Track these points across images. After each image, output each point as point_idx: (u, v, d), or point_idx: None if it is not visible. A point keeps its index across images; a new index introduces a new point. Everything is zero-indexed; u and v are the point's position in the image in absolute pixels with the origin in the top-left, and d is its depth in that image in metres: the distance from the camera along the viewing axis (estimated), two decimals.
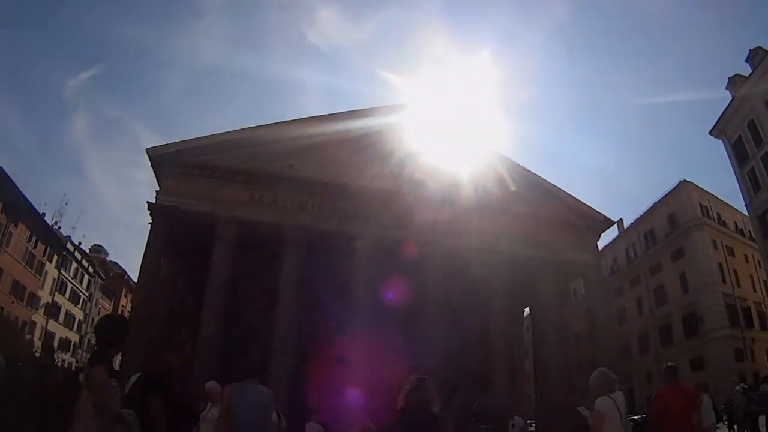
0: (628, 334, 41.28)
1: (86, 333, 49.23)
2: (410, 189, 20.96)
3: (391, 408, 6.00)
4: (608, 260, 42.90)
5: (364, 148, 21.51)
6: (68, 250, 44.18)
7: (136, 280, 23.89)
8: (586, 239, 23.96)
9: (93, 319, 51.02)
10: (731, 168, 31.87)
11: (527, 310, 29.91)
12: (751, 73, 29.21)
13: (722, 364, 31.86)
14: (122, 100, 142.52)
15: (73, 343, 46.41)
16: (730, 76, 31.48)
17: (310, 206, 20.70)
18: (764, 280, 34.79)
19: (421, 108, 24.52)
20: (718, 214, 39.20)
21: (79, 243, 48.43)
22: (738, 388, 17.17)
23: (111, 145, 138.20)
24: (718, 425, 12.33)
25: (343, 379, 18.10)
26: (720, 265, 35.65)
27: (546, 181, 24.13)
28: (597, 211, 24.26)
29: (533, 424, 24.08)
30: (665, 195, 39.48)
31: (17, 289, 35.27)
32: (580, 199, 24.23)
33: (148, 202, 19.75)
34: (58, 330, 43.08)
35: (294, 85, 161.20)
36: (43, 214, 38.93)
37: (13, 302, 34.72)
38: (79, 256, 47.19)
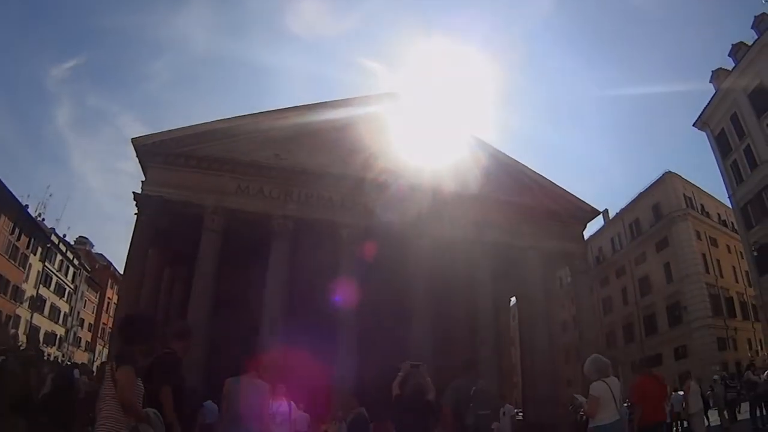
0: (614, 324, 41.81)
1: (72, 326, 48.75)
2: (395, 178, 20.96)
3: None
4: (594, 250, 43.23)
5: (348, 137, 21.42)
6: (52, 242, 43.62)
7: (122, 272, 23.70)
8: (572, 229, 24.17)
9: (78, 312, 50.57)
10: (715, 160, 32.24)
11: (513, 299, 30.20)
12: (734, 67, 29.51)
13: (705, 353, 32.38)
14: (106, 91, 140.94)
15: (59, 336, 45.89)
16: (714, 69, 31.84)
17: (296, 195, 20.65)
18: (746, 271, 35.23)
19: (407, 97, 24.53)
20: (702, 205, 39.63)
21: (64, 235, 47.96)
22: (716, 377, 17.45)
23: (95, 136, 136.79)
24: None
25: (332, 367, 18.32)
26: (703, 255, 36.07)
27: (532, 171, 24.27)
28: (583, 202, 24.46)
29: (520, 413, 24.35)
30: (650, 186, 39.84)
31: (0, 283, 34.82)
32: (567, 190, 24.44)
33: (133, 192, 19.60)
34: (44, 324, 42.58)
35: (279, 75, 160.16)
36: (27, 206, 38.37)
37: None
38: (63, 248, 46.59)
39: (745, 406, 15.85)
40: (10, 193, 34.17)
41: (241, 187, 20.24)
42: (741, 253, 34.90)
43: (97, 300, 56.26)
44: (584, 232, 25.42)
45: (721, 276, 36.40)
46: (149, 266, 20.67)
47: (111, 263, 58.94)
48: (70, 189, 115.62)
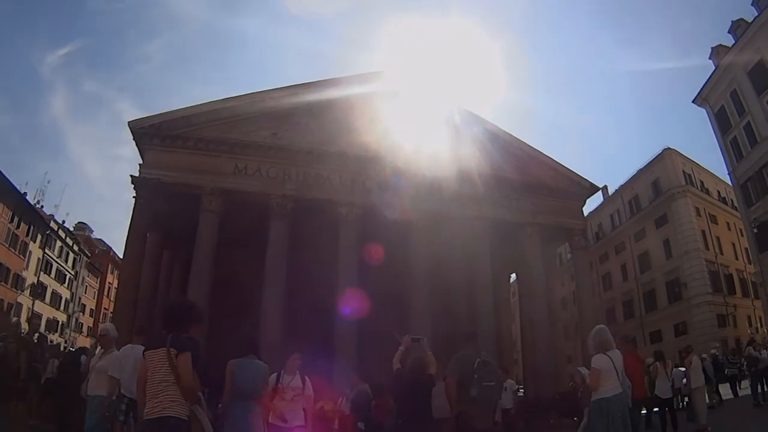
0: (614, 300, 41.97)
1: (74, 312, 48.92)
2: (393, 156, 20.84)
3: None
4: (593, 226, 43.21)
5: (346, 116, 21.25)
6: (52, 229, 43.55)
7: (121, 256, 23.67)
8: (571, 205, 24.12)
9: (80, 298, 50.72)
10: (714, 137, 32.10)
11: (513, 276, 30.25)
12: (734, 44, 29.24)
13: (705, 330, 32.57)
14: (102, 76, 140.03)
15: (61, 323, 46.10)
16: (714, 46, 31.54)
17: (294, 175, 20.54)
18: (746, 248, 35.29)
19: (405, 75, 24.28)
20: (701, 182, 39.57)
21: (63, 221, 47.76)
22: (704, 355, 16.58)
23: (92, 122, 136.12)
24: None
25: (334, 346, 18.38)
26: (703, 232, 36.07)
27: (532, 147, 24.18)
28: (582, 178, 24.38)
29: (521, 389, 24.47)
30: (649, 162, 39.68)
31: (1, 271, 34.84)
32: (566, 166, 24.36)
33: (131, 175, 19.44)
34: (45, 310, 42.74)
35: (276, 54, 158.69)
36: (25, 193, 38.27)
37: None
38: (63, 235, 46.58)
39: (745, 383, 16.17)
40: (9, 181, 34.04)
41: (238, 167, 20.12)
42: (741, 230, 34.91)
43: (97, 285, 56.41)
44: (584, 209, 25.34)
45: (721, 253, 36.47)
46: (148, 249, 20.62)
47: (110, 248, 58.93)
48: (68, 175, 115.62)
